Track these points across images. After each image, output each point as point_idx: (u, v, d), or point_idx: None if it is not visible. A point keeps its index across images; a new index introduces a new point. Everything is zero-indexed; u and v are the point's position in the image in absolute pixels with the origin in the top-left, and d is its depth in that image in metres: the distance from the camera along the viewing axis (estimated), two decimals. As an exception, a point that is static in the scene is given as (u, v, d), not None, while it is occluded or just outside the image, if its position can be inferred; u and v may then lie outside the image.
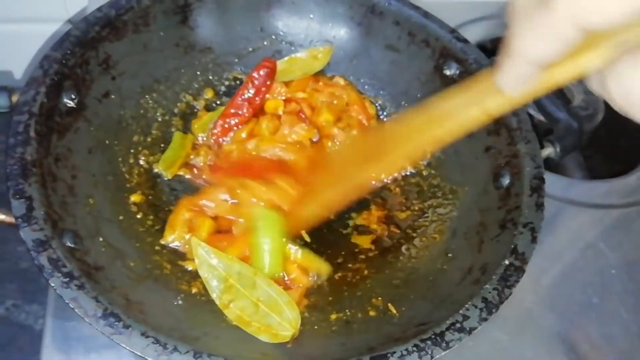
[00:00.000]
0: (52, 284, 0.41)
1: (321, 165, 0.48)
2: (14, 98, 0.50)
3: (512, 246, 0.47)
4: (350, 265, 0.55)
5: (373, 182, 0.56)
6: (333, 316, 0.50)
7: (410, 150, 0.40)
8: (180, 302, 0.48)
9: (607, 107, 0.71)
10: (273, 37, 0.66)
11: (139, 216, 0.54)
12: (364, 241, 0.57)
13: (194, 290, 0.50)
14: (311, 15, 0.66)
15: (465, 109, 0.36)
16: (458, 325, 0.43)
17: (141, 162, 0.57)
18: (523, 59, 0.30)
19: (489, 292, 0.45)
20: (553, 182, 0.62)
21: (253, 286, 0.48)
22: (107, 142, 0.55)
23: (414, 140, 0.39)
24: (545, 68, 0.30)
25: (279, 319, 0.47)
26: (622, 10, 0.26)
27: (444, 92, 0.38)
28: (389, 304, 0.51)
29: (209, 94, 0.64)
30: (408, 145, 0.40)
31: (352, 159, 0.45)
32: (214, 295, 0.48)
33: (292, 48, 0.66)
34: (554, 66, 0.31)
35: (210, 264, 0.49)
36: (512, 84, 0.32)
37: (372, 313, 0.50)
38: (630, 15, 0.26)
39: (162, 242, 0.53)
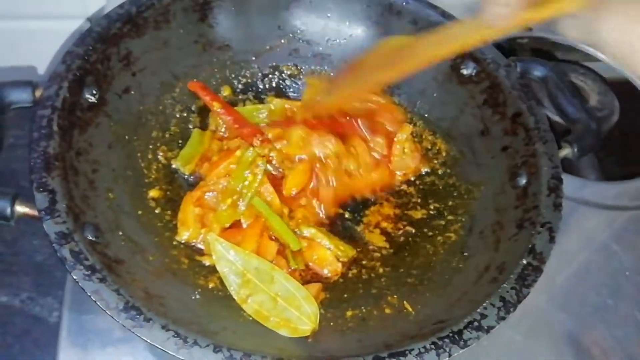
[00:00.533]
0: (75, 277, 0.41)
1: (351, 69, 0.57)
2: (38, 93, 0.51)
3: (530, 246, 0.47)
4: (364, 262, 0.56)
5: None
6: (349, 313, 0.51)
7: (420, 61, 0.49)
8: (197, 296, 0.49)
9: (621, 108, 0.71)
10: (290, 35, 0.66)
11: (157, 211, 0.54)
12: (377, 239, 0.58)
13: (210, 285, 0.50)
14: (329, 14, 0.66)
15: (464, 36, 0.45)
16: (476, 323, 0.43)
17: (160, 158, 0.58)
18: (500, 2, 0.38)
19: (507, 292, 0.45)
20: (566, 183, 0.61)
21: (271, 281, 0.48)
22: (126, 137, 0.56)
23: (423, 54, 0.49)
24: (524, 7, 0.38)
25: (297, 314, 0.47)
26: None
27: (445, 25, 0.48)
28: (405, 302, 0.51)
29: (226, 91, 0.65)
30: (418, 57, 0.49)
31: (375, 63, 0.54)
32: (231, 289, 0.48)
33: (309, 46, 0.67)
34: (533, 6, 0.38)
35: (228, 259, 0.49)
36: (496, 22, 0.40)
37: (387, 310, 0.51)
38: None
39: (177, 238, 0.53)
